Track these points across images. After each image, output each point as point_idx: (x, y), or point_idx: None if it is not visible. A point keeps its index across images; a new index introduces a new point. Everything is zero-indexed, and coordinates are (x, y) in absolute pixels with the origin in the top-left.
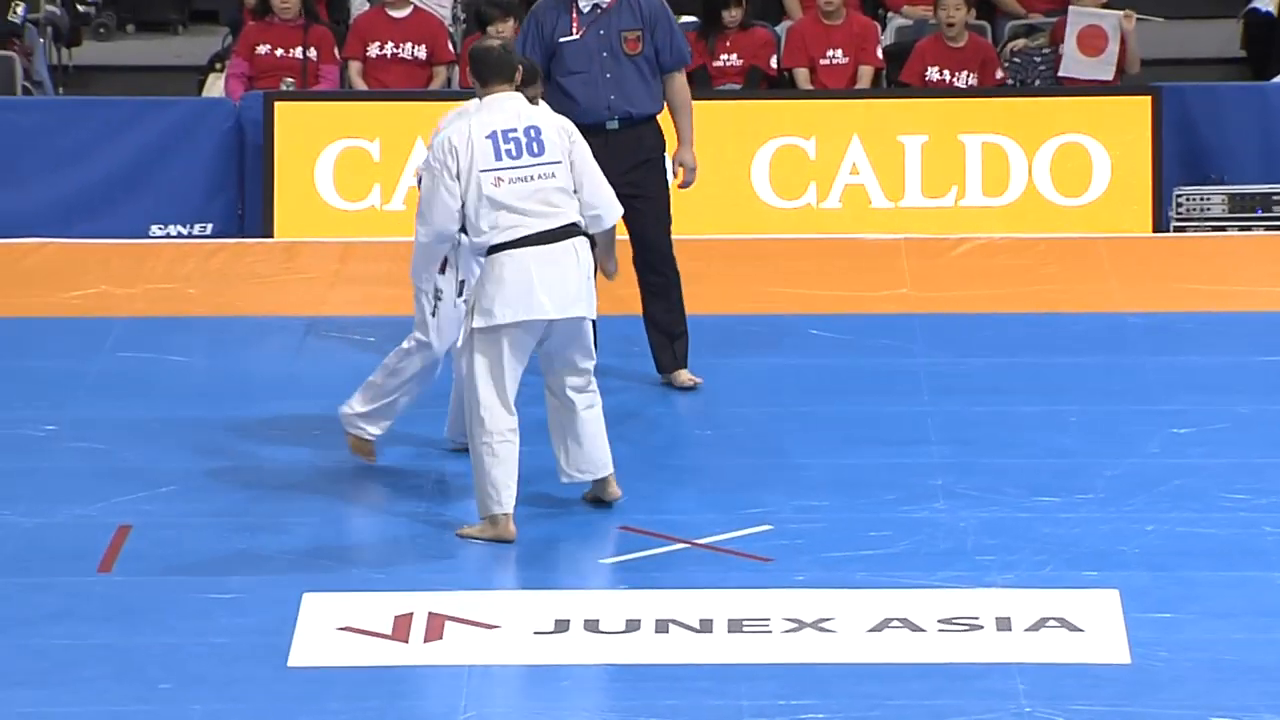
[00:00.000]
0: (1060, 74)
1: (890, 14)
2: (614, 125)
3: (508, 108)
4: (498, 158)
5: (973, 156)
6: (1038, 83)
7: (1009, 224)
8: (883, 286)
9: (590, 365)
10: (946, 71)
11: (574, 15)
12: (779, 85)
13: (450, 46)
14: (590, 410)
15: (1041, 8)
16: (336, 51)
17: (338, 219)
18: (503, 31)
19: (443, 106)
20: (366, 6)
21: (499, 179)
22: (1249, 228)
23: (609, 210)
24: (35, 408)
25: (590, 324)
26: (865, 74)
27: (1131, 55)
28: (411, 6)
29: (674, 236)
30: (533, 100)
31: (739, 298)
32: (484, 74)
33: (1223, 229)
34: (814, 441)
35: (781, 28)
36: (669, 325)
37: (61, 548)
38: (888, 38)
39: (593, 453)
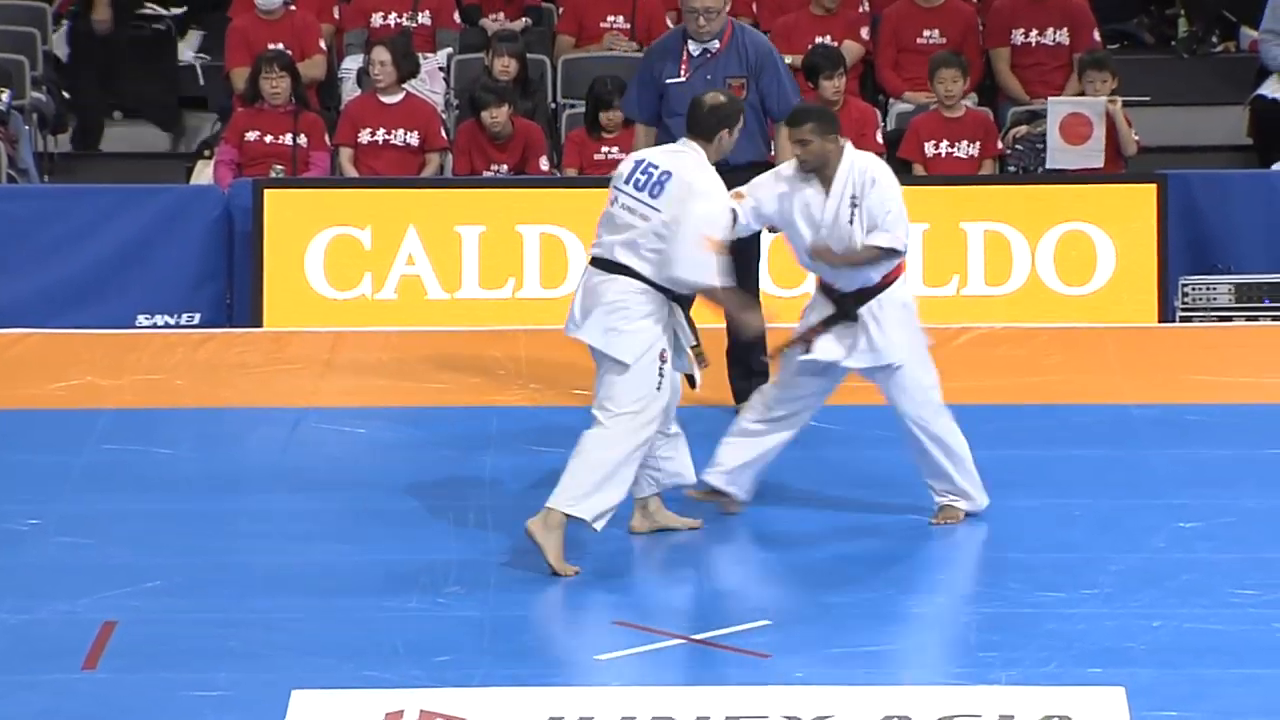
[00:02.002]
0: (1047, 166)
1: (891, 100)
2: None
3: (668, 149)
4: (627, 181)
5: (975, 244)
6: (1040, 169)
7: (1011, 313)
8: None
9: (607, 405)
10: (945, 143)
11: (684, 58)
12: None
13: (443, 133)
14: (582, 443)
15: (1044, 93)
16: (327, 138)
17: (328, 308)
18: (496, 117)
19: (435, 194)
20: (358, 92)
21: (617, 198)
22: (1256, 318)
23: (680, 266)
24: (20, 501)
25: (623, 368)
26: None
27: (1124, 139)
28: (404, 92)
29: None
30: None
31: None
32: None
33: (1229, 319)
34: (813, 535)
35: None
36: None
37: (46, 645)
38: (889, 123)
39: (561, 480)
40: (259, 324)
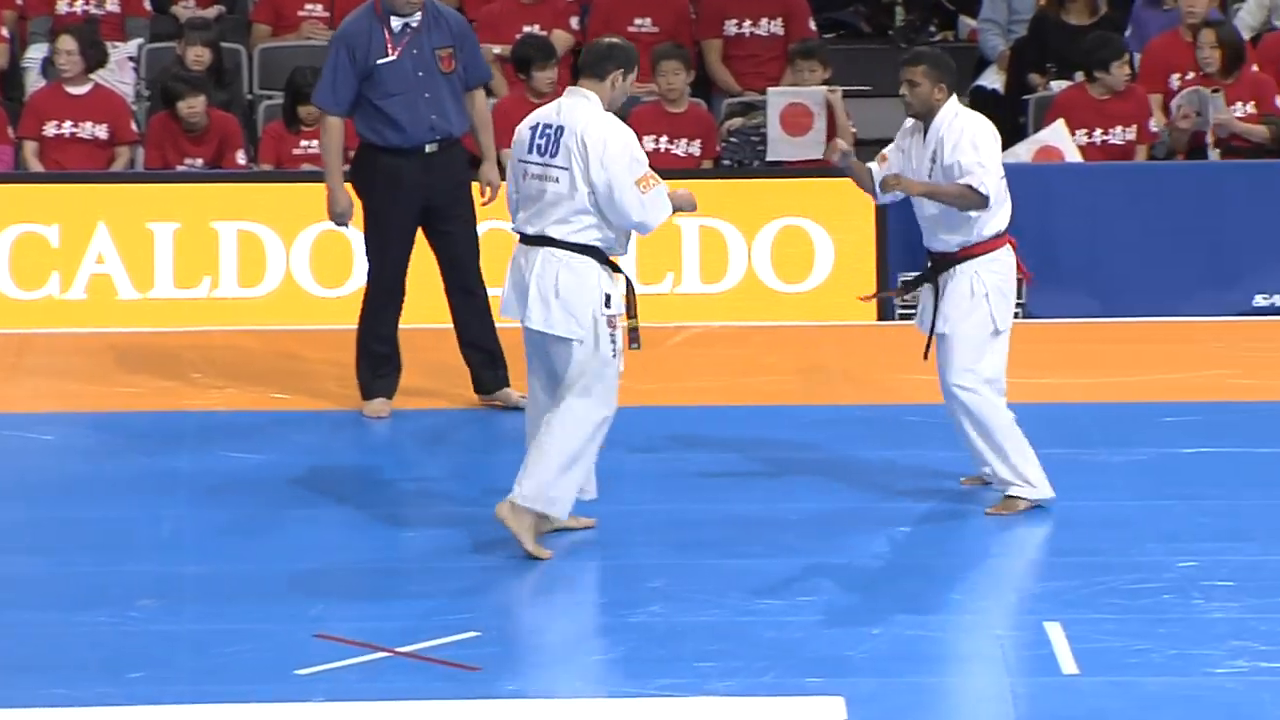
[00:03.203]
0: (768, 159)
1: None
2: (433, 148)
3: (558, 102)
4: (529, 150)
5: (690, 240)
6: (756, 163)
7: (728, 312)
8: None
9: (564, 388)
10: (665, 139)
11: (387, 35)
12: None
13: (133, 126)
14: (544, 429)
15: (759, 85)
16: (10, 131)
17: (14, 309)
18: (194, 107)
19: (126, 190)
20: (43, 83)
21: (525, 170)
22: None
23: (637, 217)
24: None
25: (570, 345)
26: None
27: (843, 130)
28: (92, 83)
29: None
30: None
31: (429, 392)
32: (579, 66)
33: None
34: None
35: None
36: (490, 344)
37: None
38: None
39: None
40: None
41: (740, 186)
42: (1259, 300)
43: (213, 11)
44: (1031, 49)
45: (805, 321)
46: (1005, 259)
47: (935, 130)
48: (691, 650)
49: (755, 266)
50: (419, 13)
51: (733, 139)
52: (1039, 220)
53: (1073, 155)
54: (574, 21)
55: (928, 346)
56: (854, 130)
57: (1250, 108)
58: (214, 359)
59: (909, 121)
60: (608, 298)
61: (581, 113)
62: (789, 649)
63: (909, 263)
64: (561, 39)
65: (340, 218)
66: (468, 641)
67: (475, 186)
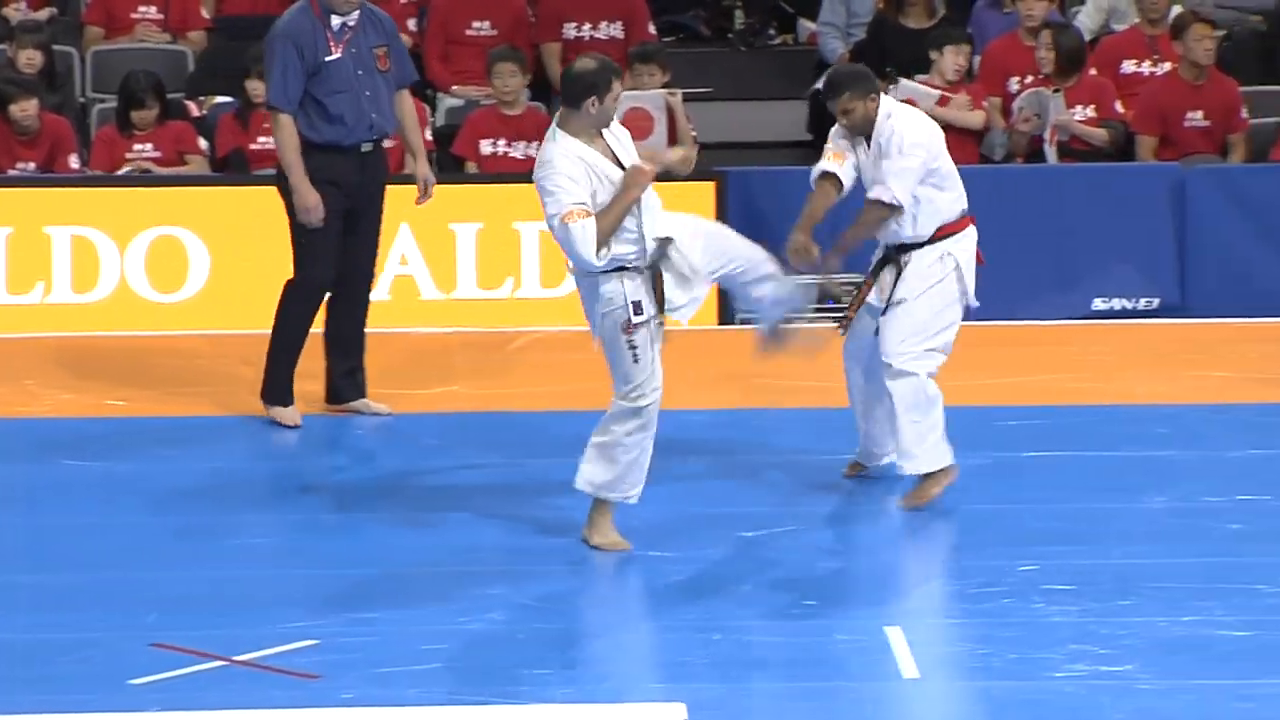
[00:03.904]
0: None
1: (439, 95)
2: (368, 147)
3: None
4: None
5: (529, 245)
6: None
7: (569, 316)
8: (435, 383)
9: (619, 389)
10: (503, 142)
11: (328, 34)
12: None
13: None
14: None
15: None
16: None
17: None
18: (26, 110)
19: None
20: None
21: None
22: (818, 320)
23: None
24: None
25: (607, 350)
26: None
27: (683, 134)
28: None
29: (206, 332)
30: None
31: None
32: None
33: (790, 321)
34: (363, 551)
35: None
36: (358, 353)
37: None
38: (439, 119)
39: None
40: None
41: None
42: (1098, 304)
43: (44, 13)
44: (871, 52)
45: None
46: (972, 235)
47: (876, 140)
48: (531, 657)
49: None
50: (356, 11)
51: None
52: None
53: (929, 99)
54: (411, 23)
55: (847, 322)
56: (694, 134)
57: (1090, 111)
58: (46, 364)
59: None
60: (637, 304)
61: (542, 153)
62: (629, 655)
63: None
64: None
65: (311, 213)
66: (306, 650)
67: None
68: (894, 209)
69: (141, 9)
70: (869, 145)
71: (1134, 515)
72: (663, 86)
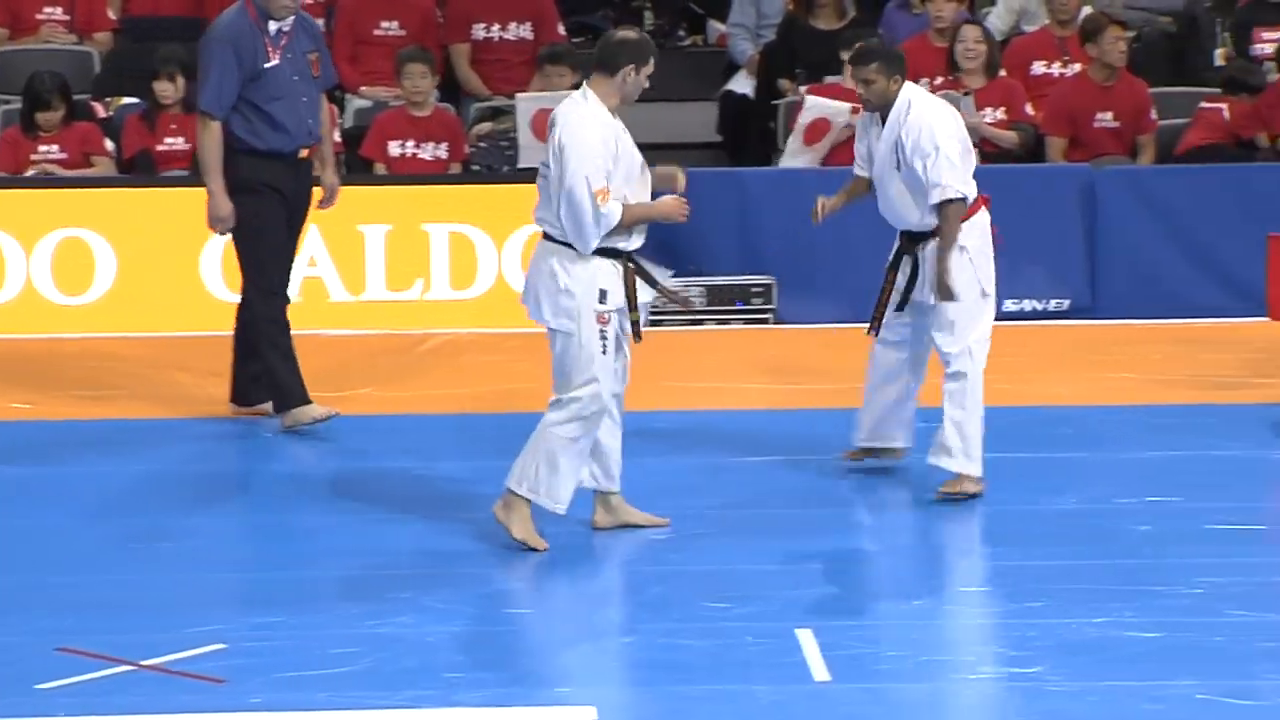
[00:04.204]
0: (519, 165)
1: (348, 96)
2: (305, 153)
3: (572, 96)
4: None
5: (439, 247)
6: (506, 168)
7: (478, 318)
8: (345, 386)
9: (558, 384)
10: (412, 143)
11: (266, 40)
12: None
13: None
14: (540, 425)
15: (508, 90)
16: None
17: None
18: None
19: None
20: None
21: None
22: (727, 321)
23: (570, 233)
24: None
25: (565, 338)
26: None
27: None
28: None
29: (113, 335)
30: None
31: (187, 399)
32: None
33: (700, 323)
34: (270, 554)
35: None
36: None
37: None
38: (346, 120)
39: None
40: None
41: (490, 192)
42: (1009, 305)
43: None
44: (781, 54)
45: None
46: (981, 221)
47: (894, 121)
48: (441, 661)
49: (505, 273)
50: (291, 17)
51: (482, 144)
52: (792, 224)
53: (841, 114)
54: (319, 23)
55: (878, 323)
56: None
57: (1000, 113)
58: None
59: (865, 113)
60: (603, 293)
61: (571, 113)
62: (540, 659)
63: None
64: None
65: (223, 223)
66: (213, 654)
67: None
68: (961, 200)
69: (47, 9)
70: (883, 124)
71: (1044, 517)
72: (573, 87)
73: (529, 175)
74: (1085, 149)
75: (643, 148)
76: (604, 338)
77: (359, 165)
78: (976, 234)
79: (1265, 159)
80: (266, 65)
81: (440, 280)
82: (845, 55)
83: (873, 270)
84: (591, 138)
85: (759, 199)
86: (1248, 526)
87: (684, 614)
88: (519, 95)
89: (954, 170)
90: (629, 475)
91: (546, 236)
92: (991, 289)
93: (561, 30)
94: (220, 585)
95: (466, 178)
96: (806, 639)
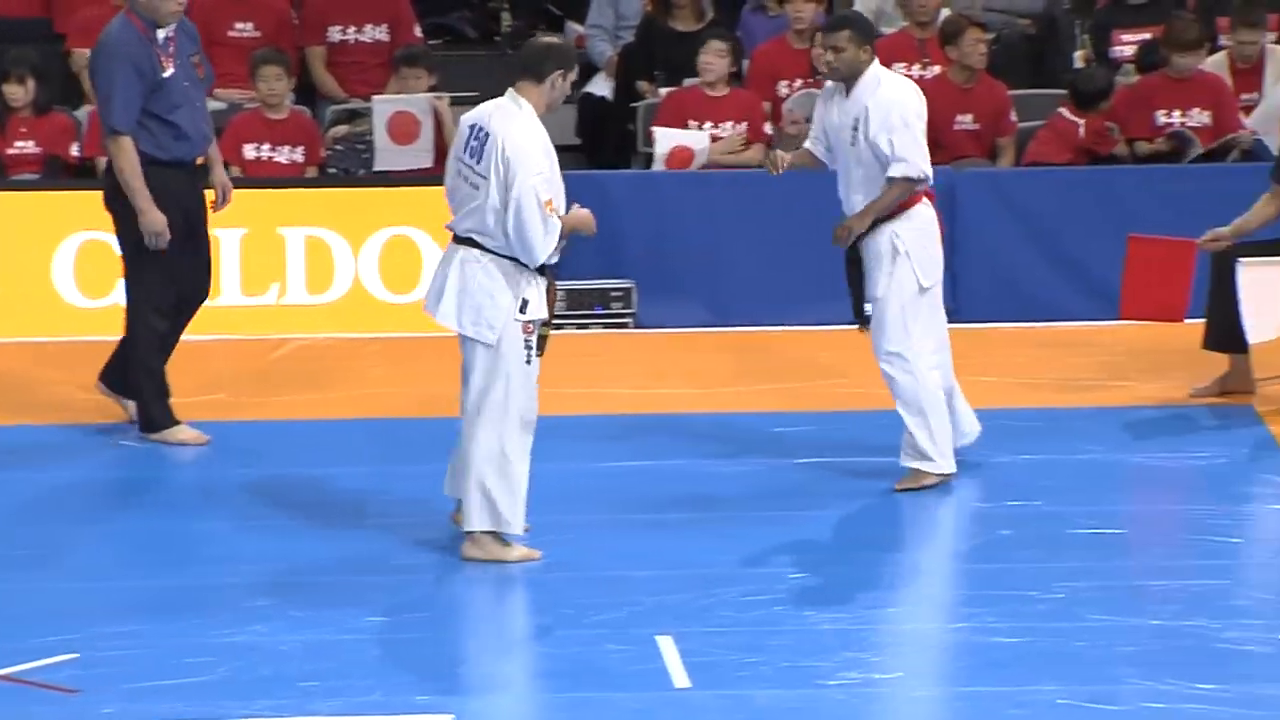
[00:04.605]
0: (376, 168)
1: None
2: (201, 159)
3: (496, 103)
4: (464, 150)
5: (295, 251)
6: (363, 171)
7: (334, 323)
8: (200, 391)
9: (478, 398)
10: (267, 146)
11: (157, 49)
12: (82, 174)
13: None
14: (467, 454)
15: (364, 92)
16: None
17: None
18: None
19: None
20: None
21: (459, 169)
22: (587, 326)
23: (520, 246)
24: None
25: (487, 348)
26: None
27: (449, 138)
28: None
29: None
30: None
31: (45, 405)
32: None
33: (559, 327)
34: (126, 561)
35: (82, 113)
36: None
37: None
38: None
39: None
40: None
41: (346, 195)
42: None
43: None
44: (639, 55)
45: (414, 333)
46: (924, 213)
47: (859, 96)
48: (295, 670)
49: (362, 277)
50: (175, 21)
51: (338, 147)
52: (652, 228)
53: (700, 140)
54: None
55: (863, 317)
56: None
57: None
58: None
59: (827, 84)
60: (525, 303)
61: (510, 122)
62: (397, 666)
63: None
64: None
65: (161, 237)
66: (66, 663)
67: None
68: (919, 181)
69: None
70: (846, 95)
71: (905, 521)
72: (429, 90)
73: (385, 178)
74: (945, 151)
75: None
76: (528, 347)
77: None
78: (915, 226)
79: (1124, 161)
80: (165, 75)
81: (296, 285)
82: (701, 55)
83: (735, 273)
84: (535, 148)
85: (618, 202)
86: (1107, 531)
87: (545, 621)
88: (375, 98)
89: (919, 150)
90: None
91: (470, 244)
92: (934, 281)
93: (418, 32)
94: (76, 594)
95: (323, 181)
96: (667, 645)
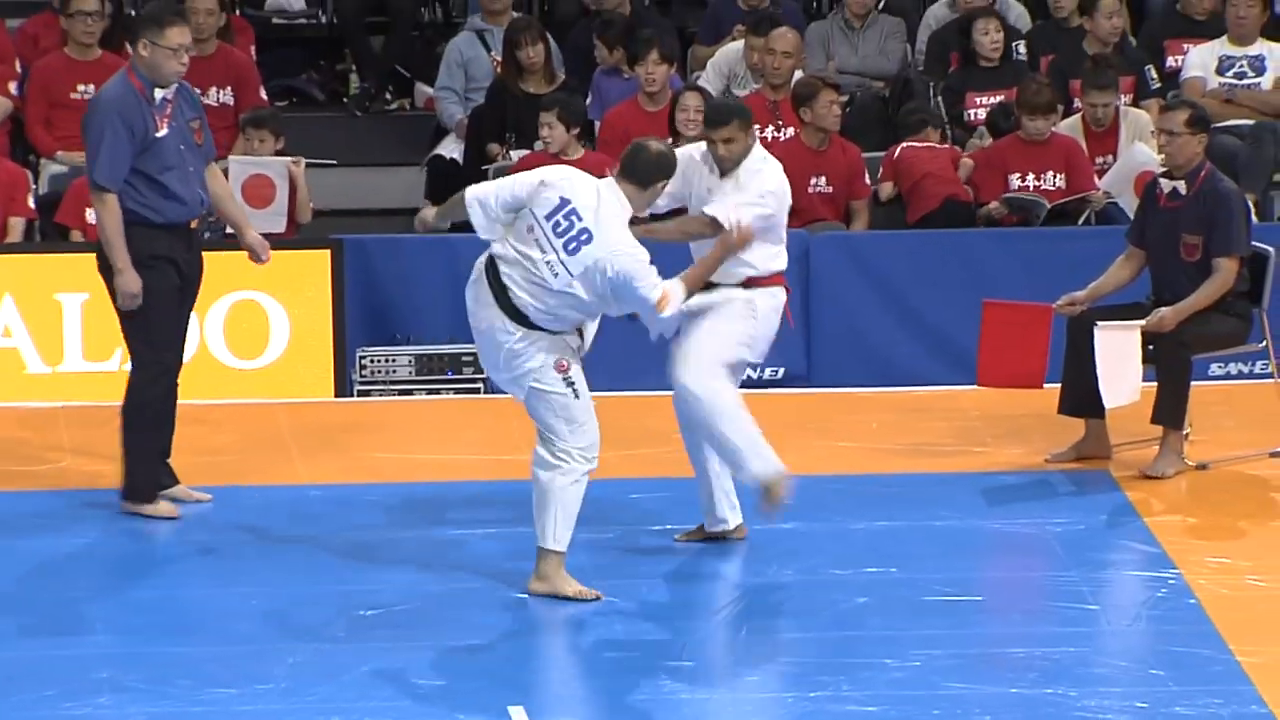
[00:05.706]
0: (228, 231)
1: (43, 160)
2: (195, 223)
3: (595, 191)
4: (548, 218)
5: None
6: (207, 235)
7: (181, 389)
8: (43, 461)
9: (544, 439)
10: None
11: (153, 110)
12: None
13: None
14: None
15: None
16: None
17: None
18: None
19: None
20: None
21: (534, 227)
22: (438, 390)
23: (654, 326)
24: None
25: (537, 394)
26: (15, 226)
27: (302, 204)
28: None
29: None
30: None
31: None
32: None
33: (410, 392)
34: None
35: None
36: (169, 443)
37: None
38: (42, 186)
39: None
40: None
41: None
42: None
43: None
44: (490, 118)
45: (261, 399)
46: (780, 296)
47: (737, 178)
48: None
49: (208, 341)
50: (176, 83)
51: None
52: None
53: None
54: (13, 87)
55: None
56: (312, 205)
57: None
58: None
59: (697, 151)
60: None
61: (614, 231)
62: None
63: (369, 335)
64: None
65: (134, 299)
66: None
67: None
68: (720, 228)
69: None
70: (720, 175)
71: (760, 589)
72: (276, 153)
73: (233, 242)
74: (799, 215)
75: (348, 214)
76: (569, 382)
77: (54, 233)
78: (774, 304)
79: (981, 224)
80: (158, 135)
81: None
82: (544, 115)
83: (607, 335)
84: (634, 250)
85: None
86: (964, 598)
87: (396, 691)
88: (231, 159)
89: (744, 213)
90: (340, 549)
91: (512, 310)
92: (756, 357)
93: (264, 94)
94: None
95: None
96: (519, 716)
